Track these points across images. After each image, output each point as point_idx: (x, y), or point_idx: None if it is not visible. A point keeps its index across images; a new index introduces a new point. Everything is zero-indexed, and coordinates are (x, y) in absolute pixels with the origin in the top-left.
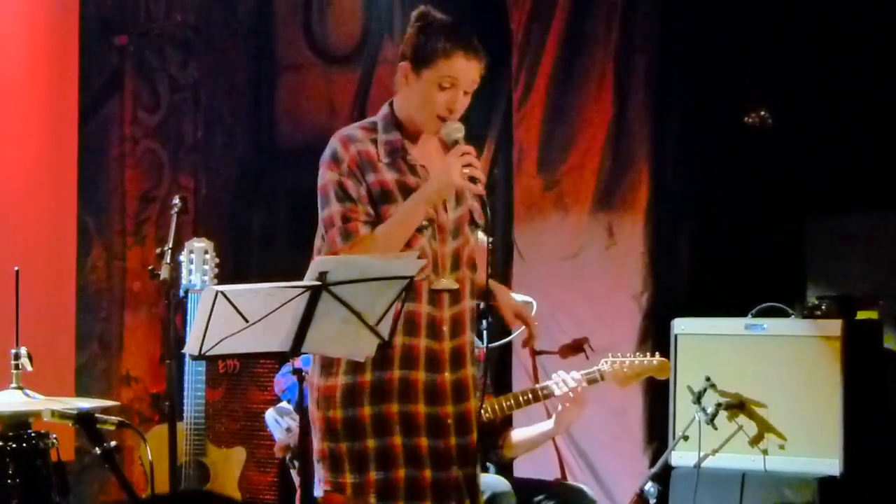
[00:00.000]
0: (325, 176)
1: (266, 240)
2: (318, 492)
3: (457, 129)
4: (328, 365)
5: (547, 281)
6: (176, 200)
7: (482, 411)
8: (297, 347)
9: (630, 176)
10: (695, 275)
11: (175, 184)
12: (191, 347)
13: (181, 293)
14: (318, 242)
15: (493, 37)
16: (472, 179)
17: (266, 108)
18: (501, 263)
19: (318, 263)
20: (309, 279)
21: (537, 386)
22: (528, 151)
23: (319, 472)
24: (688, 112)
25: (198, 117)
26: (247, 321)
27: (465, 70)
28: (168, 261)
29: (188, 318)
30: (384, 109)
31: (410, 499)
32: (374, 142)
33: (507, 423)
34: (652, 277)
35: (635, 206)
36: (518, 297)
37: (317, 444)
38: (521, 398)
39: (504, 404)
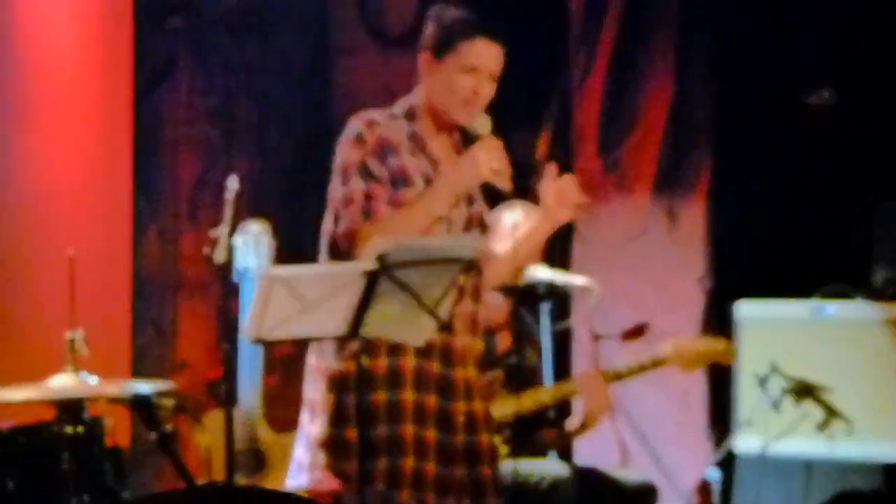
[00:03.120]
0: (347, 154)
1: (321, 221)
2: (302, 479)
3: (483, 124)
4: (338, 347)
5: (608, 264)
6: (231, 183)
7: (541, 397)
8: (354, 331)
9: (692, 156)
10: (759, 257)
11: (230, 167)
12: (249, 331)
13: (236, 277)
14: (328, 225)
15: (550, 16)
16: (497, 174)
17: (322, 91)
18: (560, 246)
19: (376, 246)
20: (367, 261)
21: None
22: (588, 132)
23: (314, 458)
24: (751, 90)
25: (252, 100)
26: (305, 305)
27: (488, 54)
28: (223, 244)
29: (243, 301)
30: (403, 102)
31: (416, 489)
32: (396, 129)
33: (543, 414)
34: (715, 260)
35: (697, 187)
36: (578, 280)
37: (319, 429)
38: (557, 391)
39: (541, 396)
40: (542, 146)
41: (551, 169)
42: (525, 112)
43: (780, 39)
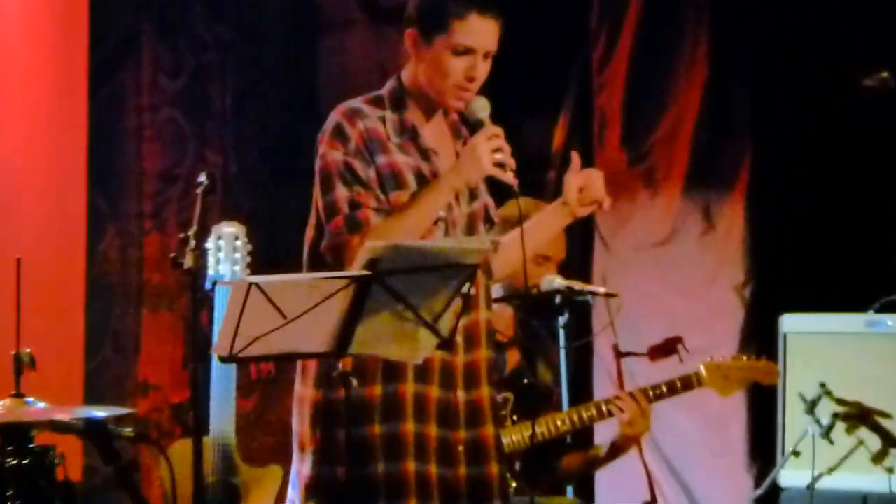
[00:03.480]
0: (328, 155)
1: (305, 223)
2: None
3: (481, 108)
4: (324, 370)
5: (634, 271)
6: (201, 178)
7: (557, 424)
8: (342, 348)
9: (729, 148)
10: (806, 264)
11: (200, 160)
12: (220, 347)
13: (208, 285)
14: (311, 233)
15: None
16: (500, 166)
17: (306, 72)
18: (580, 252)
19: (367, 250)
20: (357, 268)
21: (599, 401)
22: (611, 121)
23: (301, 501)
24: (796, 73)
25: (227, 82)
26: (285, 317)
27: (482, 31)
28: (193, 247)
29: (215, 314)
30: (391, 84)
31: None
32: (382, 120)
33: (561, 442)
34: (756, 267)
35: (736, 184)
36: (599, 289)
37: (307, 468)
38: (576, 416)
39: (557, 422)
40: (558, 136)
41: (576, 159)
42: (539, 97)
43: (828, 13)
